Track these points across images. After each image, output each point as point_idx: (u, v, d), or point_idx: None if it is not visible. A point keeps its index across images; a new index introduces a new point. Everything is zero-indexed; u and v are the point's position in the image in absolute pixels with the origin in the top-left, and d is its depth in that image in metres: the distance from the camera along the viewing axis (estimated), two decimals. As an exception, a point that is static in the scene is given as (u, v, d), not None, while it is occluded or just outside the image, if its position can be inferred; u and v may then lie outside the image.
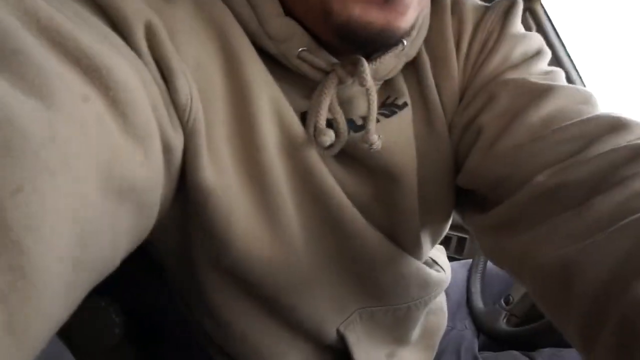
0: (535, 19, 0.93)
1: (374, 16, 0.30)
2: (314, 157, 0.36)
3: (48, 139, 0.17)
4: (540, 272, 0.29)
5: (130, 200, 0.23)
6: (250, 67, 0.32)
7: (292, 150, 0.35)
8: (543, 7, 0.93)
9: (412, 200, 0.42)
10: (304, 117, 0.35)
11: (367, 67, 0.33)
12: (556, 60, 0.92)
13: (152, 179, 0.25)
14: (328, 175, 0.37)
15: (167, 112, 0.28)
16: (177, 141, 0.29)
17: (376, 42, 0.32)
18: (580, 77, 0.93)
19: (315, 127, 0.34)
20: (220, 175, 0.33)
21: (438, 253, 0.58)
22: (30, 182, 0.16)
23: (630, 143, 0.29)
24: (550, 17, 0.92)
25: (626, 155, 0.28)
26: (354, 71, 0.33)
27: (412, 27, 0.37)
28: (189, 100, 0.29)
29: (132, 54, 0.25)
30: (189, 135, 0.30)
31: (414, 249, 0.46)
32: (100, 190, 0.20)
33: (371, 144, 0.35)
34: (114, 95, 0.21)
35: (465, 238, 1.23)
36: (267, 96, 0.33)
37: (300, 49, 0.33)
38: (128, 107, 0.22)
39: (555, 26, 0.93)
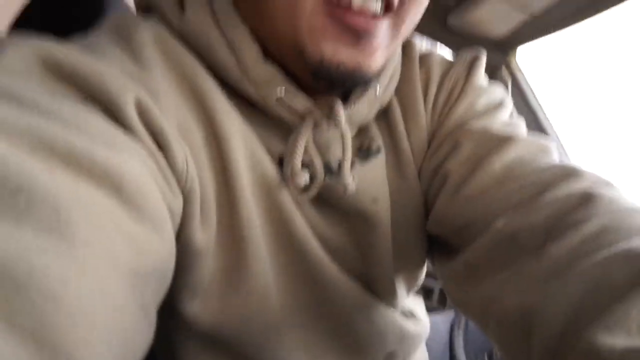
0: (511, 73, 0.97)
1: (345, 56, 0.31)
2: (289, 202, 0.36)
3: (79, 278, 0.18)
4: (503, 321, 0.28)
5: (155, 277, 0.24)
6: (224, 118, 0.33)
7: (268, 197, 0.35)
8: (517, 63, 0.98)
9: (386, 245, 0.41)
10: (282, 162, 0.36)
11: (341, 110, 0.34)
12: (530, 113, 0.95)
13: (169, 254, 0.26)
14: (302, 222, 0.37)
15: (167, 182, 0.28)
16: (178, 205, 0.29)
17: (348, 82, 0.33)
18: (554, 129, 0.96)
19: (291, 170, 0.34)
20: (207, 235, 0.32)
21: (415, 305, 0.56)
22: (71, 317, 0.17)
23: (581, 190, 0.30)
24: (524, 72, 0.97)
25: (578, 200, 0.29)
26: (330, 115, 0.34)
27: (383, 70, 0.38)
28: (185, 164, 0.29)
29: (128, 139, 0.25)
30: (186, 198, 0.30)
31: (389, 297, 0.45)
32: (129, 287, 0.21)
33: (346, 187, 0.35)
34: (127, 195, 0.22)
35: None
36: (243, 144, 0.34)
37: (279, 94, 0.34)
38: (141, 200, 0.23)
39: (529, 81, 0.98)
